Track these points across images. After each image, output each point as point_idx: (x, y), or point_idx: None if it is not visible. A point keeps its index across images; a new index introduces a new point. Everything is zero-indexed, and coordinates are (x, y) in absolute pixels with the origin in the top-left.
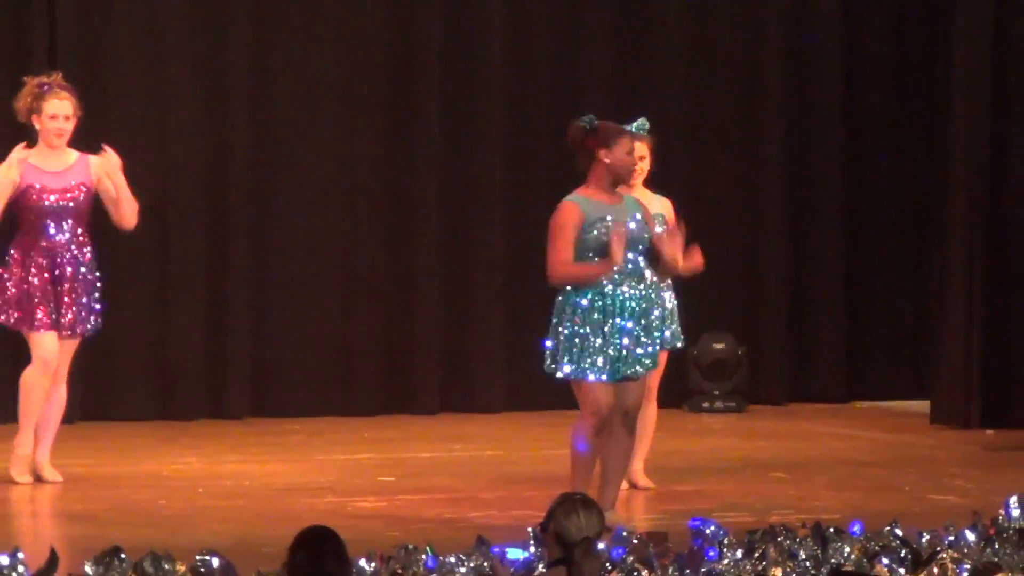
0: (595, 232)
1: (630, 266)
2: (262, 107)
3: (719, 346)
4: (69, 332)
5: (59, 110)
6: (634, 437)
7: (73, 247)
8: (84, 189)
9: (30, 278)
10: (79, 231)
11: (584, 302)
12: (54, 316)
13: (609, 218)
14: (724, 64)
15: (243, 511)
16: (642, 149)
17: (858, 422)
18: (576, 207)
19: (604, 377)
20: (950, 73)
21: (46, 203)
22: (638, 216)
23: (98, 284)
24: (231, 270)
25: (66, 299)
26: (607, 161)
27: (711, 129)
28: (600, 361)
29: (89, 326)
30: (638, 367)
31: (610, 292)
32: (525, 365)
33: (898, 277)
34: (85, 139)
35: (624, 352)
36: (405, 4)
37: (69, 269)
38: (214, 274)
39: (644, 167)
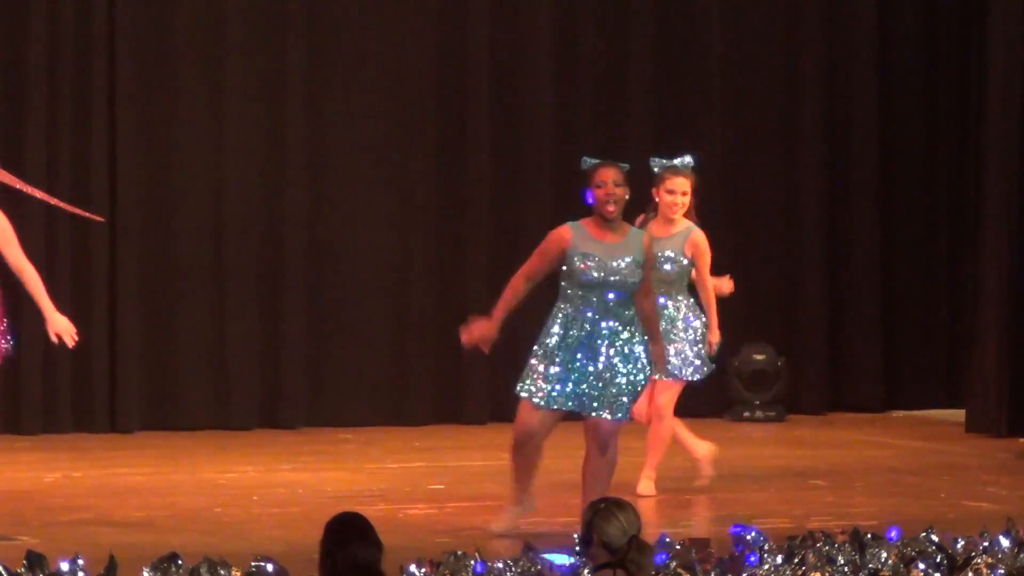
0: (576, 262)
1: (611, 303)
2: (316, 125)
3: (759, 357)
4: None
5: None
6: (607, 458)
7: None
8: None
9: None
10: None
11: (561, 330)
12: None
13: (595, 256)
14: (762, 79)
15: (297, 518)
16: (684, 185)
17: (895, 431)
18: (568, 232)
19: (539, 401)
20: (983, 93)
21: None
22: (634, 258)
23: None
24: (286, 284)
25: None
26: (591, 202)
27: (750, 143)
28: (542, 385)
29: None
30: (586, 406)
31: (590, 327)
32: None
33: (933, 290)
34: (149, 154)
35: (571, 387)
36: (455, 30)
37: None
38: (269, 288)
39: (685, 202)
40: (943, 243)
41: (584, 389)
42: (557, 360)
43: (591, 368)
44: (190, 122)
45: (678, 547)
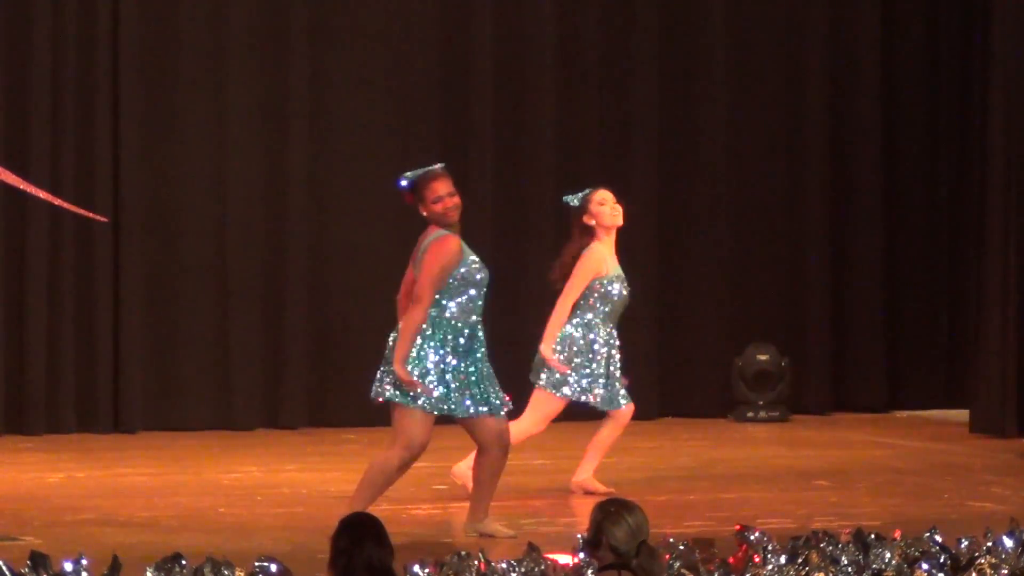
0: (466, 269)
1: (480, 301)
2: (319, 126)
3: (763, 357)
4: None
5: None
6: (505, 457)
7: None
8: None
9: None
10: None
11: (442, 336)
12: None
13: (473, 258)
14: (766, 79)
15: (301, 518)
16: (611, 196)
17: (898, 431)
18: (458, 243)
19: (428, 408)
20: (986, 92)
21: None
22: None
23: None
24: (289, 284)
25: None
26: (425, 214)
27: (753, 144)
28: (434, 393)
29: None
30: (469, 407)
31: (468, 332)
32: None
33: (937, 289)
34: (152, 154)
35: (451, 389)
36: (458, 36)
37: None
38: (272, 288)
39: (621, 210)
40: (946, 243)
41: (480, 393)
42: (449, 373)
43: (481, 370)
44: (193, 122)
45: (682, 547)
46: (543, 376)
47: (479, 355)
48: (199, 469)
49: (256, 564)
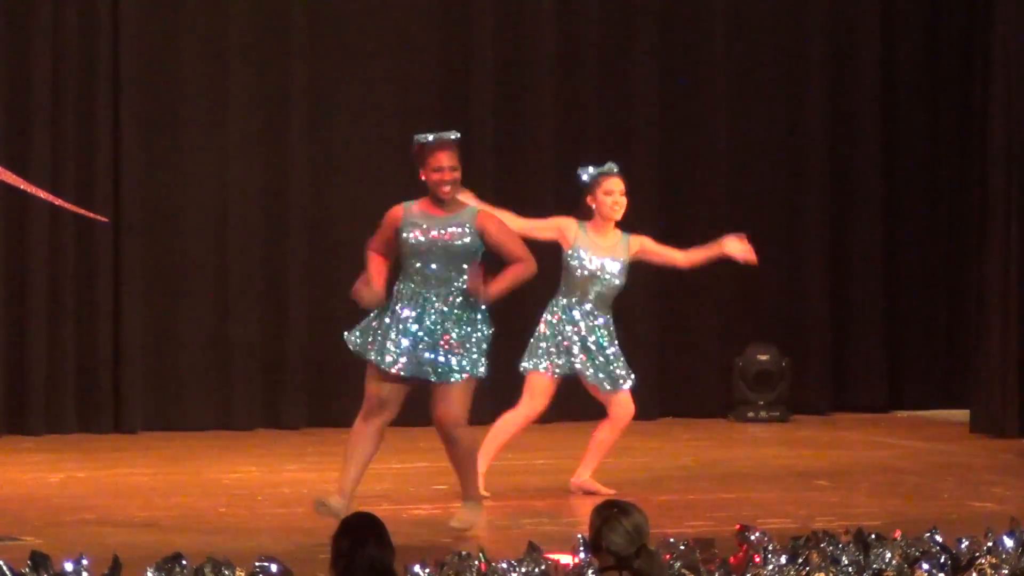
0: (406, 235)
1: (434, 266)
2: (320, 126)
3: (763, 357)
4: None
5: None
6: (454, 443)
7: None
8: None
9: None
10: None
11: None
12: None
13: (423, 225)
14: (766, 78)
15: (302, 518)
16: (620, 185)
17: (898, 431)
18: (399, 210)
19: (379, 361)
20: (987, 91)
21: None
22: (466, 229)
23: None
24: (289, 284)
25: None
26: (423, 179)
27: (754, 143)
28: (387, 347)
29: None
30: (422, 370)
31: (421, 292)
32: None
33: (937, 289)
34: (153, 155)
35: (404, 349)
36: (459, 33)
37: None
38: (272, 288)
39: (623, 202)
40: (946, 243)
41: (428, 361)
42: (408, 333)
43: (409, 333)
44: (193, 123)
45: (682, 547)
46: (524, 363)
47: (432, 324)
48: (199, 469)
49: (256, 564)
